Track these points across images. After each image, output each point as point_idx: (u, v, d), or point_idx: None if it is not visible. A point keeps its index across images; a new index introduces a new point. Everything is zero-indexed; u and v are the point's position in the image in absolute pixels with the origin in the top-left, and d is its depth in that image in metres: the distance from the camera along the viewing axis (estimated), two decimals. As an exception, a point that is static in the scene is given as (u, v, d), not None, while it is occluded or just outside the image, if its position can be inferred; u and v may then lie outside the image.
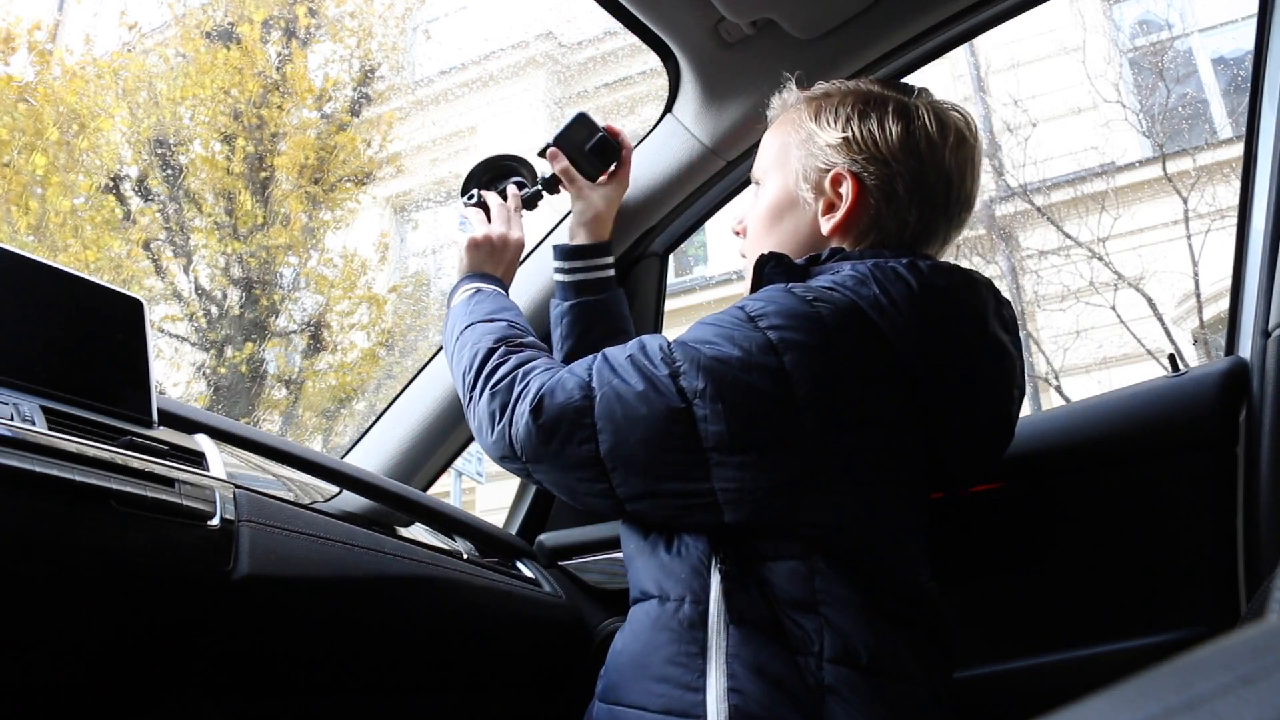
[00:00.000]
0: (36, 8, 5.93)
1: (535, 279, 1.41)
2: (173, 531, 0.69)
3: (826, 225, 0.97)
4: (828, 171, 0.97)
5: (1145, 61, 6.18)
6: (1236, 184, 1.34)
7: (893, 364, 0.84)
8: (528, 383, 0.90)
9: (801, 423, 0.81)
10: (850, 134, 0.95)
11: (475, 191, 1.28)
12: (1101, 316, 5.51)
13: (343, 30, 6.54)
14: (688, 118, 1.38)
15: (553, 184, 1.26)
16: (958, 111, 0.99)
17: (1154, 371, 4.49)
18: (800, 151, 1.00)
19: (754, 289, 0.93)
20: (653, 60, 1.38)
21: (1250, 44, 1.28)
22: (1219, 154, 5.54)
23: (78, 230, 5.44)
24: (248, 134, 5.81)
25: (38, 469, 0.62)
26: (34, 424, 0.66)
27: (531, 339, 1.02)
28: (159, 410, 0.84)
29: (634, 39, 1.32)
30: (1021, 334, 5.80)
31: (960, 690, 1.27)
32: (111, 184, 5.66)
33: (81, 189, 5.54)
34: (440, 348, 1.50)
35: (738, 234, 1.10)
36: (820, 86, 1.03)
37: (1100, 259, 5.51)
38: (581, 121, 1.23)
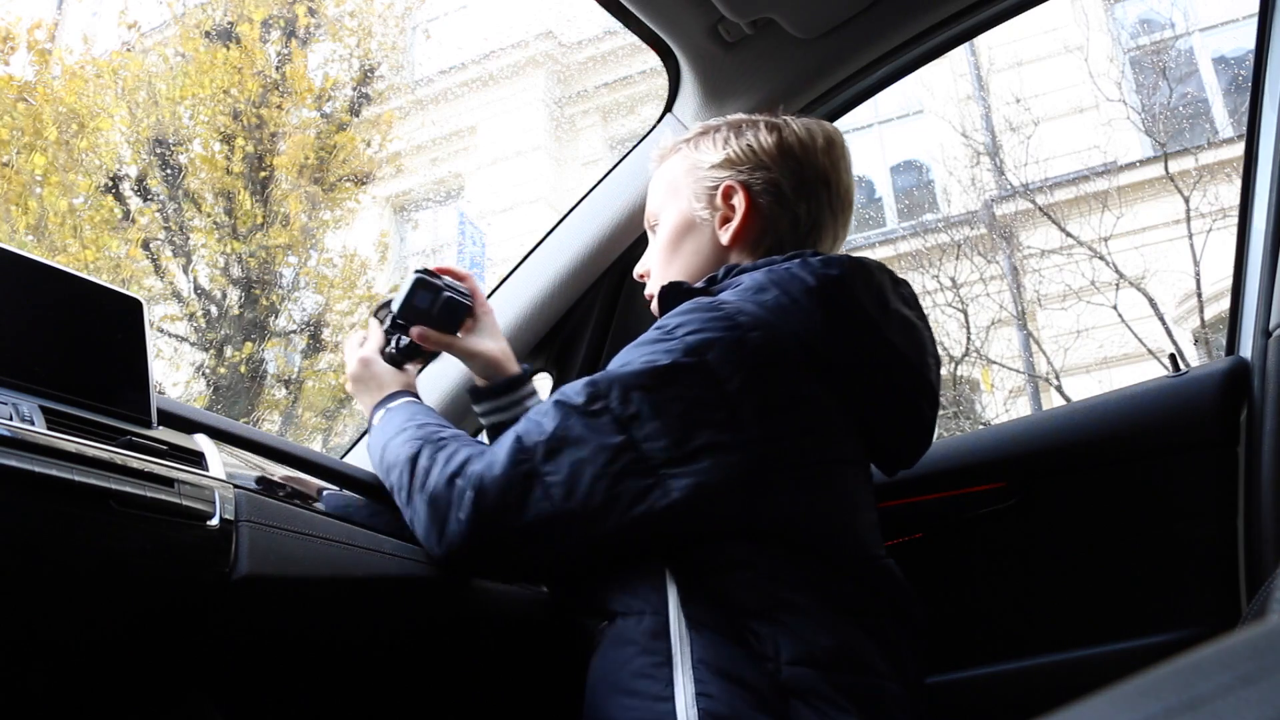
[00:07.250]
0: (36, 7, 5.93)
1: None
2: (172, 532, 0.69)
3: (725, 236, 1.03)
4: (717, 187, 1.04)
5: (1147, 60, 6.18)
6: (1238, 183, 1.34)
7: (805, 352, 0.89)
8: (462, 470, 0.87)
9: (739, 414, 0.84)
10: (730, 151, 1.04)
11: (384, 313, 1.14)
12: (1103, 316, 5.50)
13: (342, 30, 6.54)
14: (688, 117, 1.38)
15: (413, 350, 1.10)
16: (823, 124, 1.08)
17: (1155, 371, 4.49)
18: (689, 179, 1.07)
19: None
20: (653, 59, 1.38)
21: (1251, 43, 1.28)
22: (1220, 153, 5.54)
23: (77, 230, 5.44)
24: (247, 134, 5.81)
25: (37, 469, 0.62)
26: (33, 424, 0.66)
27: (450, 430, 0.97)
28: (158, 410, 0.84)
29: (634, 38, 1.32)
30: (1022, 333, 5.85)
31: (960, 691, 1.27)
32: (111, 184, 5.65)
33: (81, 189, 5.53)
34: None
35: (642, 278, 1.13)
36: (695, 127, 1.11)
37: (1102, 258, 5.51)
38: (422, 283, 1.07)
